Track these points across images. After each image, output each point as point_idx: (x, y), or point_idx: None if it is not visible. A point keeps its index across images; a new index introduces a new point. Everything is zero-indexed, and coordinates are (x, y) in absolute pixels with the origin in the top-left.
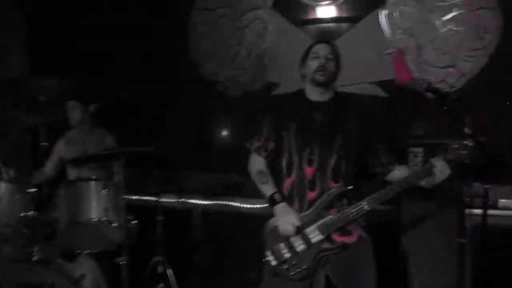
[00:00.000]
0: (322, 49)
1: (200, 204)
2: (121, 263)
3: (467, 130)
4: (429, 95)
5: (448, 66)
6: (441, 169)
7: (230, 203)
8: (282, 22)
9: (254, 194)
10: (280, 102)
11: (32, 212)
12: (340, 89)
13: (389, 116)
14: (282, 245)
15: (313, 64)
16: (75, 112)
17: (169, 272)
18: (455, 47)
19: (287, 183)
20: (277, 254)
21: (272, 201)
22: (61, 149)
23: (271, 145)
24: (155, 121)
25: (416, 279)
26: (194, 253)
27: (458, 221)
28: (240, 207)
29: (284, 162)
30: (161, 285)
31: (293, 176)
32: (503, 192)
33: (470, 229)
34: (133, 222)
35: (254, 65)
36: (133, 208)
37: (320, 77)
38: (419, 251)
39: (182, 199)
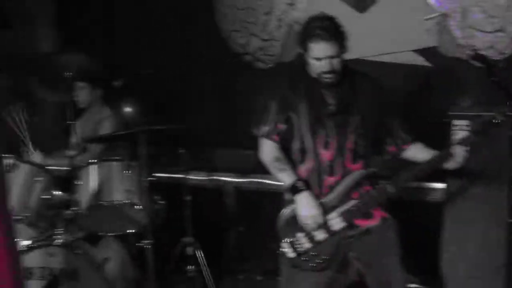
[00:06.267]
0: (322, 52)
1: (232, 182)
2: (145, 246)
3: None
4: (476, 63)
5: (497, 31)
6: (458, 153)
7: (263, 180)
8: None
9: None
10: (286, 80)
11: (54, 194)
12: (378, 58)
13: (431, 86)
14: (300, 235)
15: (315, 65)
16: (82, 93)
17: (199, 254)
18: (505, 9)
19: (303, 170)
20: (295, 245)
21: (294, 189)
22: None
23: (282, 127)
24: (182, 97)
25: (462, 261)
26: (225, 234)
27: (509, 200)
28: (273, 184)
29: (296, 147)
30: (191, 267)
31: (309, 162)
32: None
33: None
34: (159, 202)
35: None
36: (162, 188)
37: (328, 80)
38: (465, 231)
39: (213, 177)
